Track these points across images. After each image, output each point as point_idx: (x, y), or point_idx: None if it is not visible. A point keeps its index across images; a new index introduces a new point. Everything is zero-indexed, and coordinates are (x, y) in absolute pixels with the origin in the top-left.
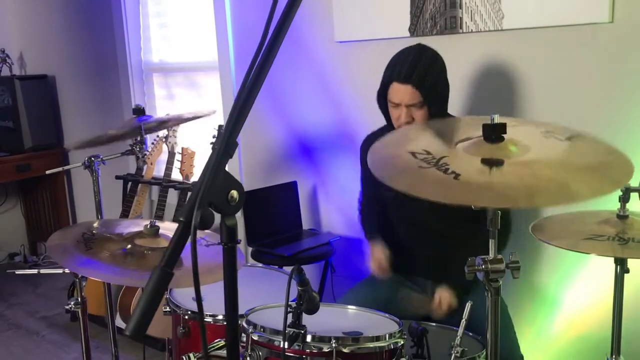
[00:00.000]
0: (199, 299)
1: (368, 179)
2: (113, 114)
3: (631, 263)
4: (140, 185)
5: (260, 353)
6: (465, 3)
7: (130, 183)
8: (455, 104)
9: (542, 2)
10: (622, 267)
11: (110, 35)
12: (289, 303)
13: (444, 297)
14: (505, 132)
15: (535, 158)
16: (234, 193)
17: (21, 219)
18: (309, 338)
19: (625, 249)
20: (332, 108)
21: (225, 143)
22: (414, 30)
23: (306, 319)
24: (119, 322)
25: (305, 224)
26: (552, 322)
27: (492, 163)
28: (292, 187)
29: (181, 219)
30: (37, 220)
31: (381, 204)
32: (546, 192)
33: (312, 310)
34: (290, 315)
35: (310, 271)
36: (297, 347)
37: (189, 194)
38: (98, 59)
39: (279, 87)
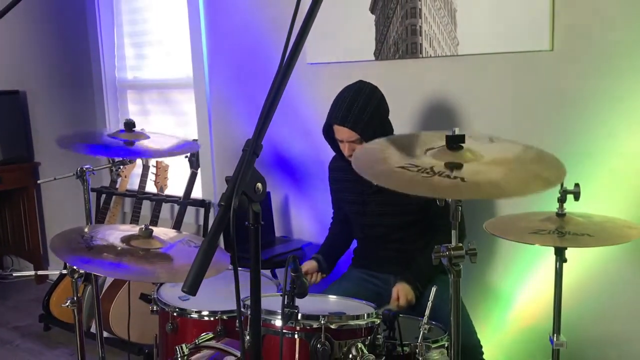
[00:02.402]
0: (237, 279)
1: (336, 198)
2: (86, 129)
3: (569, 255)
4: (114, 197)
5: None
6: (425, 30)
7: (104, 195)
8: (414, 120)
9: (492, 31)
10: (561, 257)
11: (84, 52)
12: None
13: (401, 291)
14: (464, 142)
15: (498, 158)
16: (259, 185)
17: None
18: (301, 316)
19: (563, 240)
20: (303, 124)
21: (254, 145)
22: (378, 54)
23: (296, 302)
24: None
25: (278, 232)
26: (505, 316)
27: (455, 166)
28: (266, 197)
29: (222, 203)
30: (4, 233)
31: (344, 221)
32: (534, 183)
33: (303, 294)
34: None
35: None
36: (291, 324)
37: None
38: (71, 75)
39: (254, 104)
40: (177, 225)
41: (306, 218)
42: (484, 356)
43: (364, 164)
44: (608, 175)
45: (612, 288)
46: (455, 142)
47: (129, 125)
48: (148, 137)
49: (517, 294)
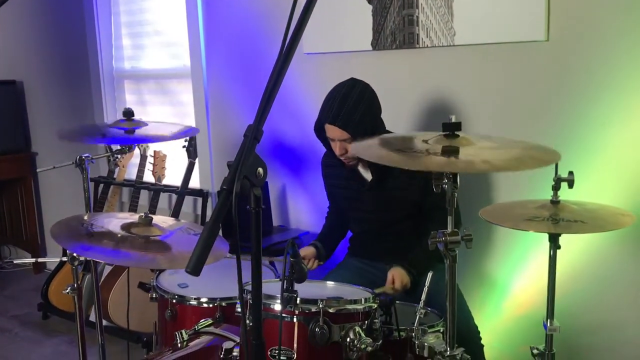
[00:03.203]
0: (239, 263)
1: (330, 192)
2: (83, 120)
3: (564, 243)
4: (112, 187)
5: None
6: (422, 21)
7: (102, 185)
8: (411, 110)
9: (489, 21)
10: (555, 243)
11: (82, 42)
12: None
13: (396, 274)
14: (460, 130)
15: (491, 146)
16: (260, 170)
17: None
18: (299, 301)
19: (557, 227)
20: (300, 114)
21: (255, 131)
22: (375, 44)
23: (295, 287)
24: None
25: (275, 221)
26: (501, 303)
27: (451, 150)
28: (263, 186)
29: (224, 187)
30: (2, 224)
31: (340, 212)
32: (526, 161)
33: (301, 279)
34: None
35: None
36: (289, 308)
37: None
38: (68, 65)
39: (251, 94)
40: (175, 214)
41: (303, 207)
42: (482, 342)
43: (363, 149)
44: (602, 164)
45: (606, 275)
46: (451, 130)
47: (128, 113)
48: (147, 125)
49: (513, 282)
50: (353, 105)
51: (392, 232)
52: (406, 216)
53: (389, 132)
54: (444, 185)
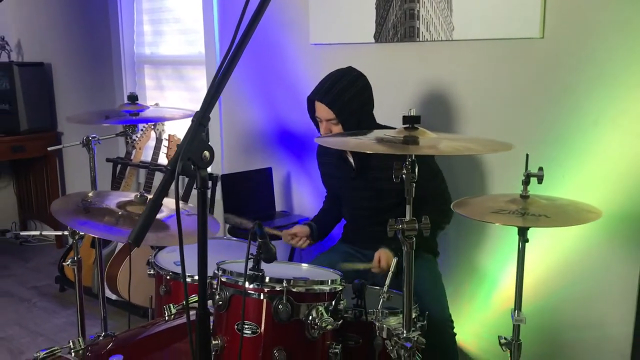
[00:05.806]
0: (180, 239)
1: (325, 181)
2: (105, 102)
3: (554, 238)
4: (128, 168)
5: (227, 292)
6: (422, 15)
7: (119, 166)
8: (410, 102)
9: (486, 17)
10: (523, 237)
11: (105, 28)
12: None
13: (383, 255)
14: (419, 122)
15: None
16: (206, 153)
17: (13, 198)
18: (266, 279)
19: (523, 220)
20: (305, 103)
21: (201, 117)
22: (378, 37)
23: (266, 267)
24: (107, 293)
25: (278, 207)
26: (491, 296)
27: (410, 141)
28: (268, 172)
29: (168, 167)
30: (28, 199)
31: (336, 199)
32: (471, 147)
33: (269, 259)
34: (251, 262)
35: (282, 246)
36: (256, 286)
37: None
38: (93, 49)
39: (260, 82)
40: (185, 197)
41: (307, 194)
42: (457, 331)
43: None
44: (591, 162)
45: (593, 272)
46: (411, 122)
47: (132, 98)
48: (149, 108)
49: (503, 275)
50: (343, 88)
51: (382, 220)
52: (395, 205)
53: (379, 125)
54: (403, 175)
